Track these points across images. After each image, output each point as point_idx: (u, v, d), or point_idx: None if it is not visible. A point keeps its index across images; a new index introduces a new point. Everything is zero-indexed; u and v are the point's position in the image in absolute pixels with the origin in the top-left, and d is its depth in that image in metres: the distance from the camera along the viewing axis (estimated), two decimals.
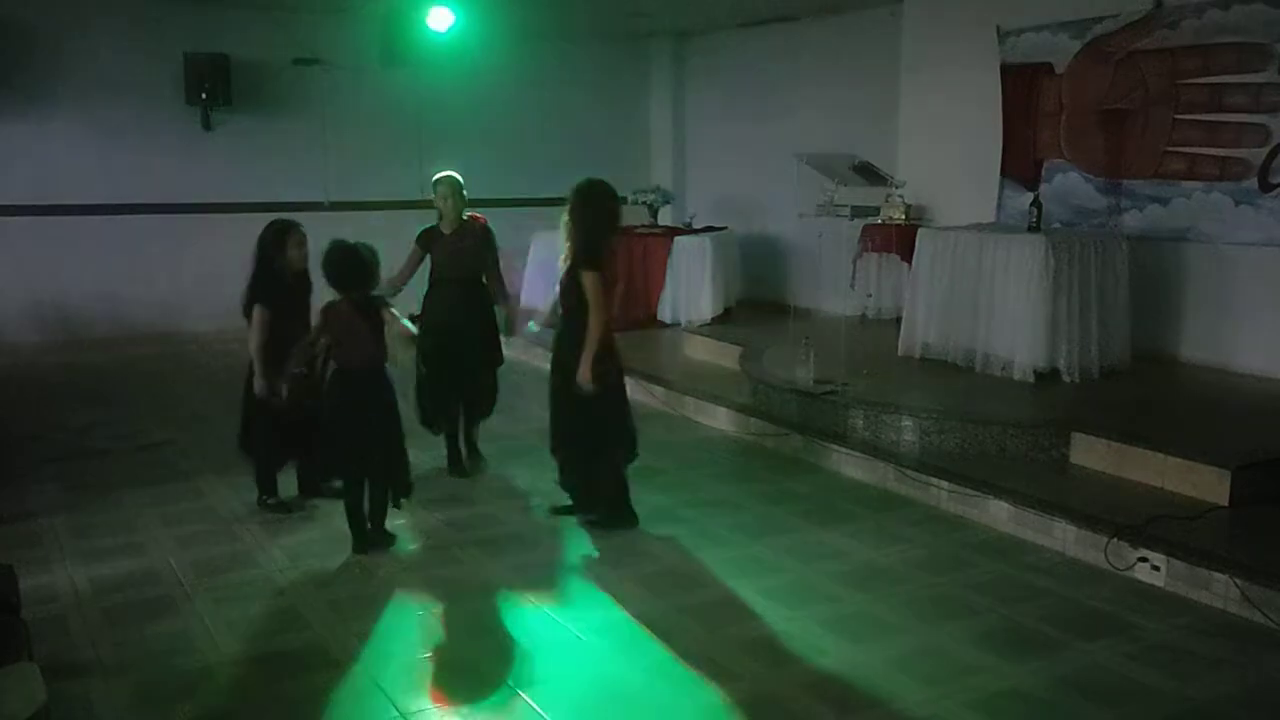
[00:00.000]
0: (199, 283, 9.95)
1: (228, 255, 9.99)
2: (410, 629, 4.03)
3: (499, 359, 5.93)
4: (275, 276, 5.14)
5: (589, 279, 4.76)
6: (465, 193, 5.86)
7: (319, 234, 10.85)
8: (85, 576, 4.44)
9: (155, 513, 5.23)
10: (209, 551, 4.73)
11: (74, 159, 9.49)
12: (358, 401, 4.60)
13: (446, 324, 5.54)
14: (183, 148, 9.86)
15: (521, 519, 5.22)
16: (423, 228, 5.92)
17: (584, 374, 4.73)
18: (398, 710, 3.42)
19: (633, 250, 9.85)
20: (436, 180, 5.87)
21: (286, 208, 10.23)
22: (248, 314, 5.09)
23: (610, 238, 4.96)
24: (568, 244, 4.89)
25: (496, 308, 5.88)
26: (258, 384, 4.99)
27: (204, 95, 9.67)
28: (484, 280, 5.87)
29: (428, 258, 5.81)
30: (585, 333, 4.76)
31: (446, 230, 5.82)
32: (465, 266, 5.78)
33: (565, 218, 4.90)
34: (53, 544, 4.80)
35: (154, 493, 5.52)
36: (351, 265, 4.65)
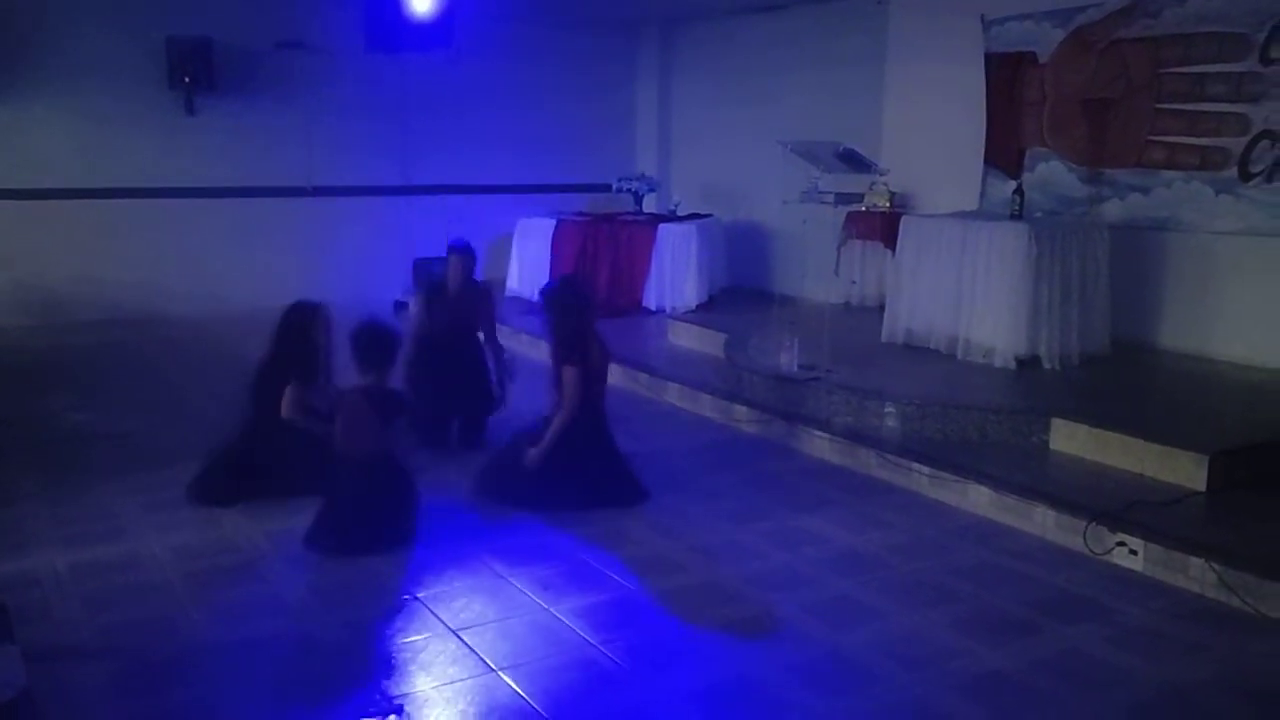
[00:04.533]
0: (181, 267, 9.92)
1: (210, 240, 10.06)
2: (394, 613, 4.03)
3: (491, 406, 6.13)
4: (295, 359, 5.11)
5: (568, 374, 5.04)
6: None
7: (302, 219, 10.85)
8: (66, 562, 4.43)
9: (137, 498, 5.20)
10: (190, 537, 4.72)
11: (55, 143, 9.42)
12: (359, 490, 4.62)
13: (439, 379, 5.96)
14: (165, 132, 9.79)
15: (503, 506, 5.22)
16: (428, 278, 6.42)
17: (535, 456, 5.02)
18: (383, 694, 3.42)
19: (618, 238, 9.85)
20: (450, 250, 6.30)
21: (270, 193, 10.31)
22: (256, 394, 5.13)
23: (586, 330, 5.22)
24: (551, 337, 5.25)
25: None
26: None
27: (186, 79, 9.60)
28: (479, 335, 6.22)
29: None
30: (583, 416, 5.07)
31: (451, 290, 6.22)
32: (463, 324, 6.18)
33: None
34: (33, 529, 4.78)
35: (135, 478, 5.49)
36: (376, 349, 4.73)
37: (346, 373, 4.90)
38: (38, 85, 9.30)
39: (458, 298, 6.18)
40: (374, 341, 4.71)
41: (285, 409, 4.89)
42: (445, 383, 5.96)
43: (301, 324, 5.16)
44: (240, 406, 5.23)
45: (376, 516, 4.59)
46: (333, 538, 4.56)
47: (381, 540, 4.56)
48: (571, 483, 5.04)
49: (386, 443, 4.71)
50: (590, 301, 5.38)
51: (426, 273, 5.53)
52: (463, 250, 6.22)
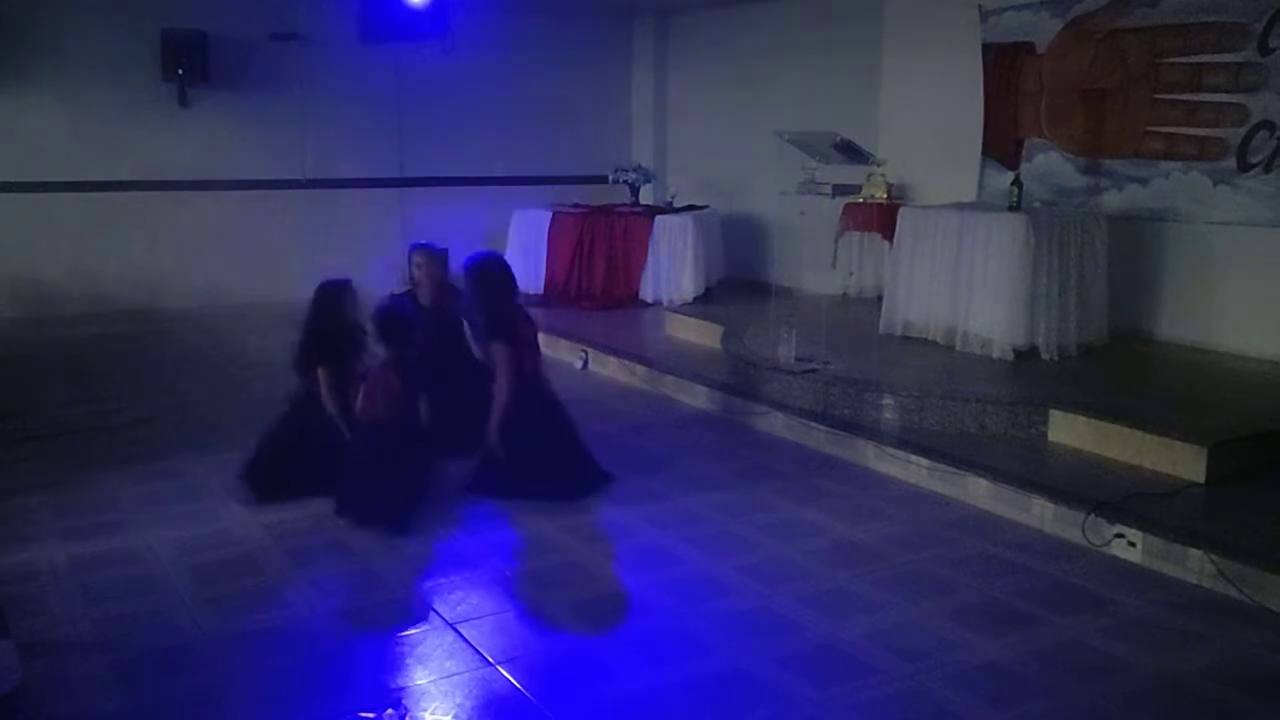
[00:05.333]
0: (176, 259, 9.90)
1: (205, 232, 10.03)
2: (390, 606, 4.02)
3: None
4: (329, 335, 5.17)
5: (498, 350, 5.02)
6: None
7: (298, 211, 10.84)
8: (64, 554, 4.41)
9: (134, 491, 5.19)
10: (188, 530, 4.71)
11: (49, 135, 9.39)
12: (374, 455, 4.76)
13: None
14: (159, 124, 9.76)
15: (499, 501, 5.21)
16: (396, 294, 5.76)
17: (491, 438, 5.02)
18: (381, 687, 3.42)
19: (614, 229, 9.83)
20: (414, 248, 5.80)
21: (264, 185, 10.28)
22: (301, 370, 5.17)
23: (510, 303, 5.22)
24: (477, 320, 5.22)
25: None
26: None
27: (181, 71, 9.57)
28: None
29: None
30: (525, 395, 5.05)
31: (425, 302, 5.69)
32: (446, 340, 5.65)
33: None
34: (30, 522, 4.77)
35: (133, 471, 5.48)
36: (396, 326, 4.93)
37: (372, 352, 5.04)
38: (32, 77, 9.26)
39: (435, 310, 5.65)
40: (393, 319, 4.91)
41: (325, 398, 5.03)
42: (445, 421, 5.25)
43: (331, 301, 5.21)
44: (281, 392, 5.31)
45: (388, 484, 4.71)
46: (355, 509, 4.73)
47: (393, 506, 4.70)
48: (538, 465, 5.03)
49: (407, 411, 4.83)
50: (512, 274, 5.34)
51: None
52: (432, 251, 5.72)
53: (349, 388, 5.06)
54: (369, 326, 4.95)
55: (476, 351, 5.25)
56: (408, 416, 4.84)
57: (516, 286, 5.37)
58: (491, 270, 5.25)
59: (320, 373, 5.07)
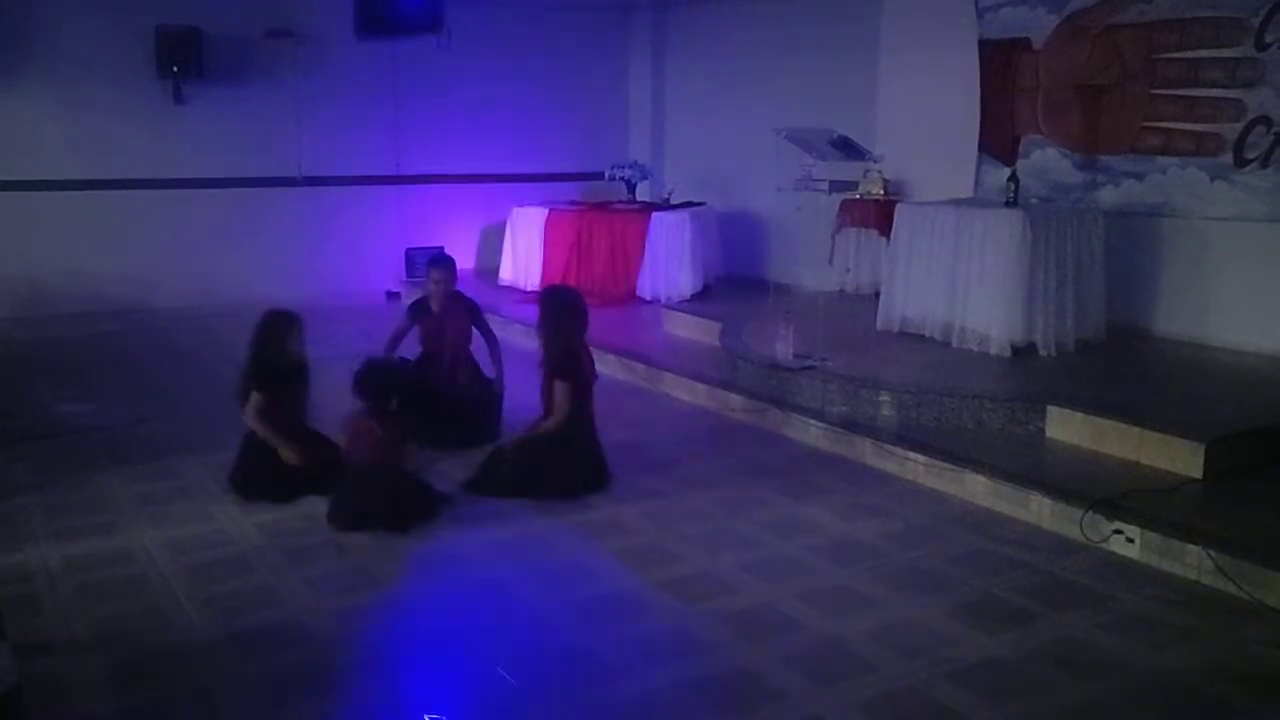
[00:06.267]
0: (171, 258, 9.87)
1: (199, 230, 10.00)
2: (387, 606, 4.01)
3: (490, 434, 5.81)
4: (271, 366, 5.11)
5: (559, 389, 5.06)
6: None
7: (292, 209, 10.79)
8: (59, 555, 4.40)
9: (129, 491, 5.17)
10: (183, 530, 4.69)
11: (43, 133, 9.35)
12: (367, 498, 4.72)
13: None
14: (154, 122, 9.72)
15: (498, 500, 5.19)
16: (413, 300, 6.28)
17: (512, 441, 5.18)
18: (374, 687, 3.41)
19: (611, 227, 9.80)
20: (431, 264, 6.20)
21: (259, 183, 10.25)
22: (242, 400, 5.11)
23: (578, 343, 5.25)
24: (543, 350, 5.22)
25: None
26: (286, 454, 5.00)
27: (175, 68, 9.53)
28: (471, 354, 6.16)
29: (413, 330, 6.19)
30: (572, 426, 5.11)
31: (435, 308, 6.10)
32: (450, 336, 6.07)
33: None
34: (25, 523, 4.75)
35: (127, 471, 5.46)
36: (382, 389, 4.84)
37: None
38: (26, 75, 9.22)
39: (442, 315, 6.05)
40: (378, 382, 4.82)
41: (247, 417, 4.99)
42: (444, 420, 5.64)
43: (276, 332, 5.15)
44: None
45: (384, 520, 4.69)
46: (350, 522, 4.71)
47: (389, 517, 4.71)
48: (539, 467, 5.06)
49: (394, 457, 4.79)
50: (585, 314, 5.35)
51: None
52: (447, 266, 6.09)
53: (285, 418, 5.04)
54: (354, 390, 4.81)
55: (542, 380, 5.23)
56: (394, 459, 4.79)
57: (587, 320, 5.35)
58: (565, 304, 5.29)
59: (254, 396, 4.97)
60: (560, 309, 5.29)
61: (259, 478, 5.05)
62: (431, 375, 5.98)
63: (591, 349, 5.42)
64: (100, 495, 5.12)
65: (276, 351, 5.11)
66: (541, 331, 5.26)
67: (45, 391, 7.08)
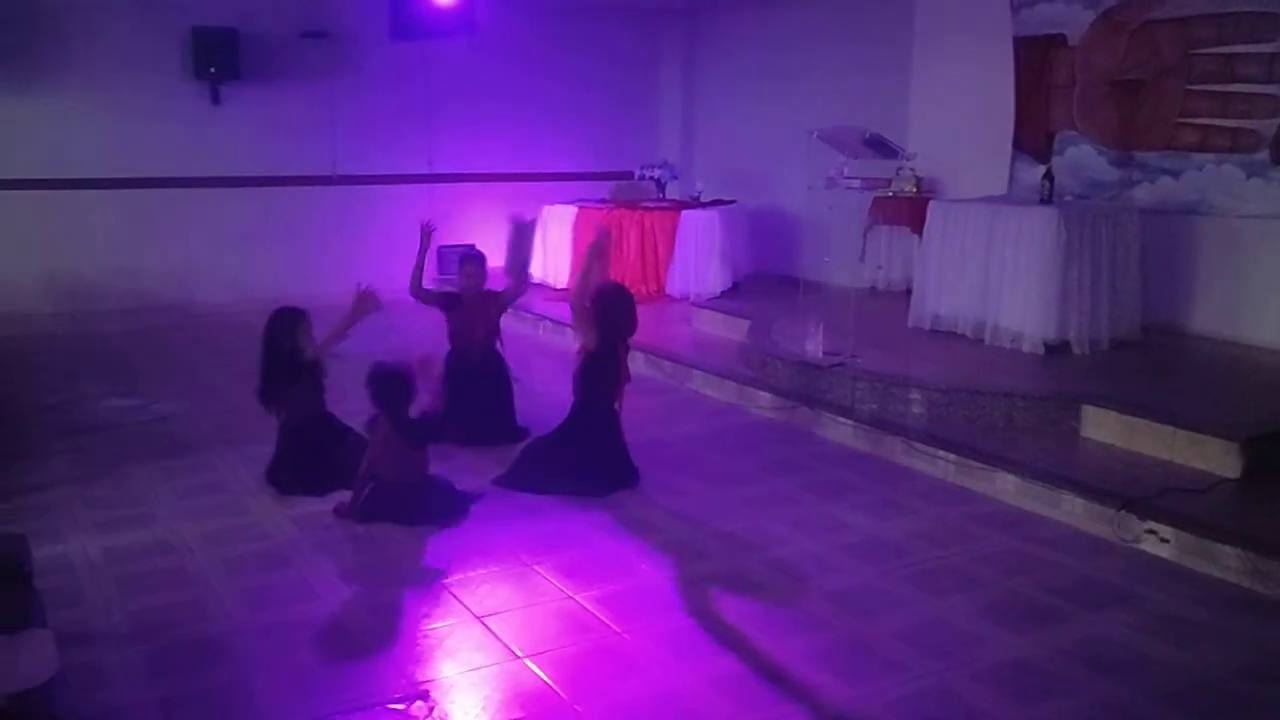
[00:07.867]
0: (210, 254, 9.99)
1: (237, 227, 10.13)
2: (420, 598, 4.06)
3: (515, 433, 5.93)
4: (287, 362, 5.21)
5: (584, 328, 5.20)
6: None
7: (327, 207, 10.87)
8: (98, 547, 4.49)
9: (167, 485, 5.26)
10: (220, 523, 4.77)
11: (84, 134, 9.49)
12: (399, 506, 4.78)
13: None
14: (191, 122, 9.84)
15: (531, 496, 5.23)
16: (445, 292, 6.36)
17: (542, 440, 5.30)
18: (409, 678, 3.45)
19: (641, 224, 9.82)
20: (464, 259, 6.27)
21: (295, 181, 10.36)
22: (266, 402, 5.25)
23: (623, 340, 5.29)
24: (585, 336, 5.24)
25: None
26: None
27: (212, 69, 9.64)
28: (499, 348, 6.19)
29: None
30: (595, 417, 5.20)
31: (466, 300, 6.14)
32: (479, 333, 6.10)
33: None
34: (65, 515, 4.84)
35: (166, 465, 5.55)
36: (391, 389, 4.82)
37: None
38: (66, 78, 9.37)
39: (472, 306, 6.08)
40: (387, 383, 4.82)
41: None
42: (470, 414, 5.72)
43: (282, 331, 5.23)
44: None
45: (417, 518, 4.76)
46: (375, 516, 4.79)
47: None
48: (569, 462, 5.11)
49: (420, 467, 4.87)
50: (634, 305, 5.35)
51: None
52: (479, 262, 6.18)
53: (305, 412, 5.17)
54: (366, 391, 4.84)
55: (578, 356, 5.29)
56: (417, 472, 4.86)
57: (636, 319, 5.36)
58: (614, 301, 5.27)
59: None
60: (608, 304, 5.22)
61: (297, 473, 5.14)
62: (458, 369, 5.95)
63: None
64: (139, 489, 5.21)
65: (286, 347, 5.19)
66: (602, 317, 5.20)
67: (87, 386, 7.21)
